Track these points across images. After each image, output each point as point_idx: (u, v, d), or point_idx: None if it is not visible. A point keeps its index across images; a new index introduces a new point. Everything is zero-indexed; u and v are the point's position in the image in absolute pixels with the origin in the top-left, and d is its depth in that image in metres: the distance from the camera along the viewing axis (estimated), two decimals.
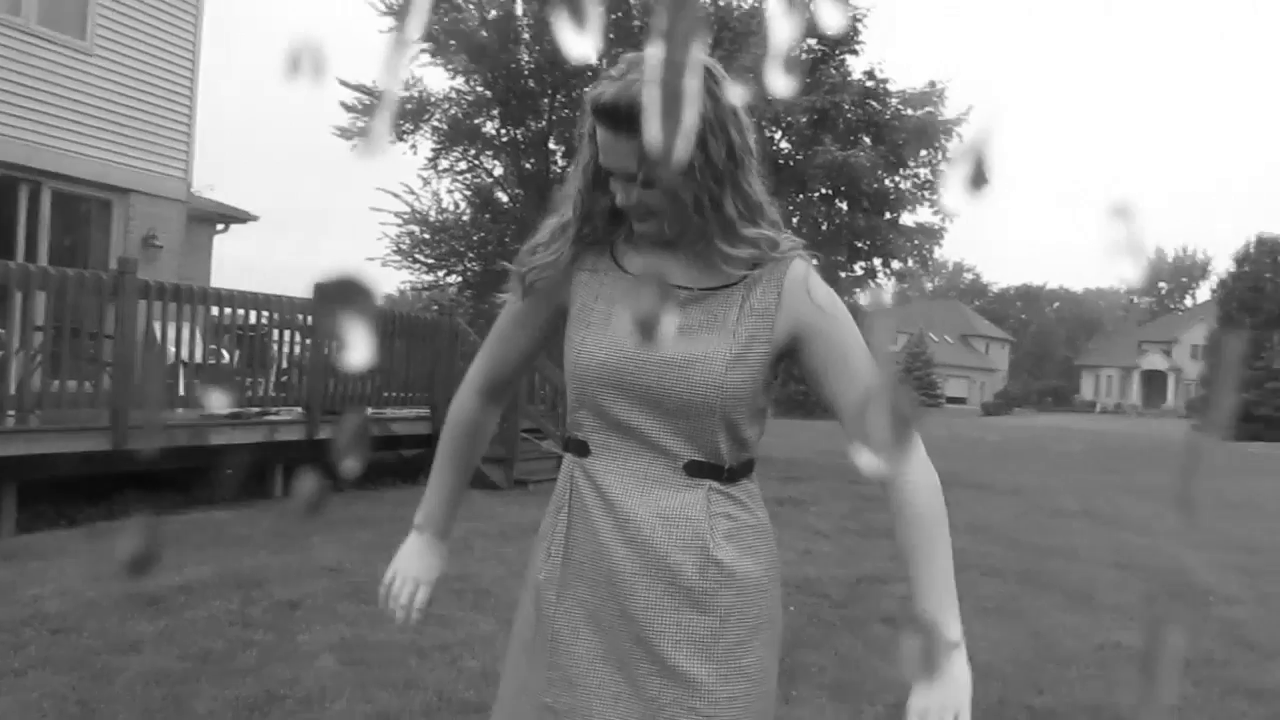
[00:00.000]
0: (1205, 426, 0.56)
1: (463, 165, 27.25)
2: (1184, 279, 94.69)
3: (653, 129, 0.40)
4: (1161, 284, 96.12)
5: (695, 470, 1.52)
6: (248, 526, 7.33)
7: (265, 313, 9.37)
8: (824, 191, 13.54)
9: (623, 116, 1.44)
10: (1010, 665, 4.63)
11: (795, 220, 13.98)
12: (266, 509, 8.31)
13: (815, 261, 1.61)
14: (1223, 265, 62.36)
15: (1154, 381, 67.47)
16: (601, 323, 1.55)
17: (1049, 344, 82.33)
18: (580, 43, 0.42)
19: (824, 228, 13.74)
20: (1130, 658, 4.89)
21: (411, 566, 1.82)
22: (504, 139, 26.97)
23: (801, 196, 14.02)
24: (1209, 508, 11.38)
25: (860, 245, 13.31)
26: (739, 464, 1.55)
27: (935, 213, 14.03)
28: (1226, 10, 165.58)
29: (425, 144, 27.22)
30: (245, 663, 4.16)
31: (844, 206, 13.83)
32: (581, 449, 1.57)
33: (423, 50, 25.16)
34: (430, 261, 28.06)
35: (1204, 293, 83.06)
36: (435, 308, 28.96)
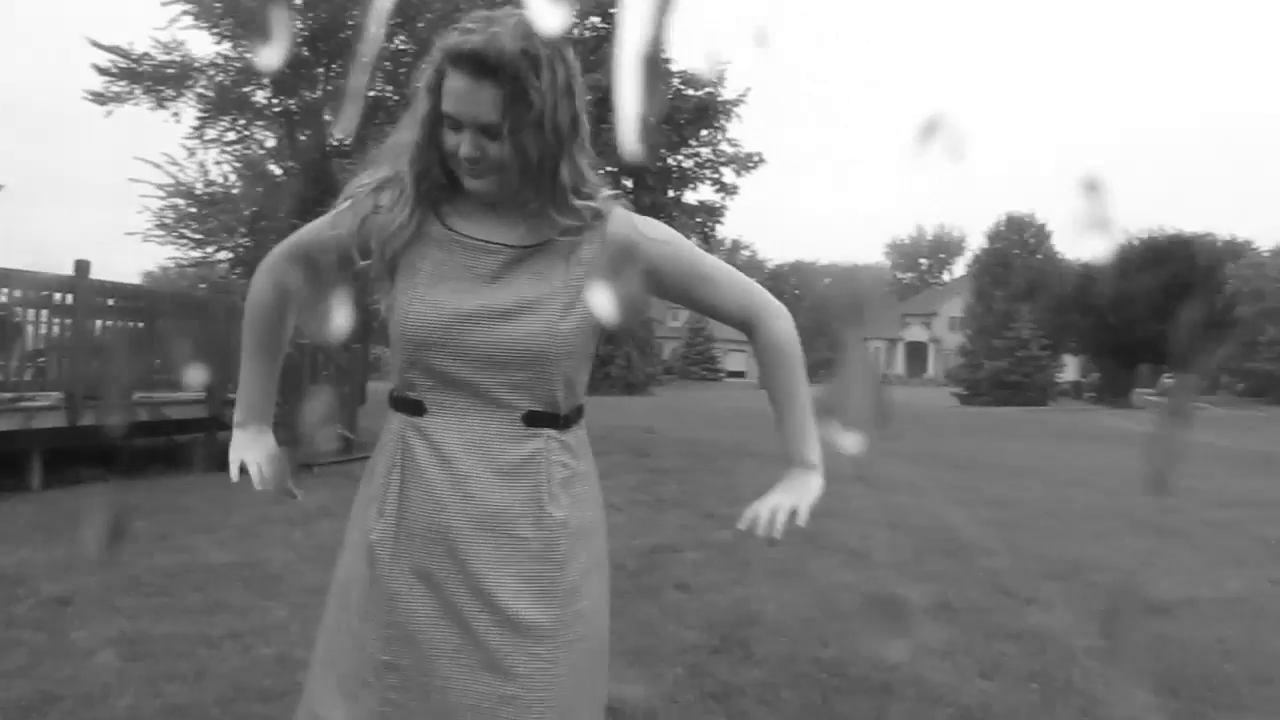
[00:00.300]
0: (1171, 414, 0.57)
1: (231, 135, 26.00)
2: (942, 255, 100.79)
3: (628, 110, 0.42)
4: (922, 260, 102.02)
5: (533, 420, 1.55)
6: (5, 520, 6.82)
7: (13, 291, 8.66)
8: (609, 169, 13.69)
9: (489, 65, 1.44)
10: (797, 623, 4.86)
11: None
12: (25, 501, 7.76)
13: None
14: (976, 242, 66.64)
15: (916, 352, 71.61)
16: (429, 284, 1.54)
17: (821, 319, 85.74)
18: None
19: None
20: (904, 609, 5.22)
21: (253, 451, 1.73)
22: (276, 109, 25.88)
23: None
24: (973, 469, 12.24)
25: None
26: (572, 410, 1.60)
27: (717, 190, 14.51)
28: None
29: (189, 112, 25.79)
30: (14, 663, 3.88)
31: (629, 184, 14.03)
32: (416, 408, 1.56)
33: (184, 13, 23.85)
34: (198, 237, 26.70)
35: (960, 268, 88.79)
36: (203, 285, 27.66)
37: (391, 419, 1.61)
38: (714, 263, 1.70)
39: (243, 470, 1.72)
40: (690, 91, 14.09)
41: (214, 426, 10.59)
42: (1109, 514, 8.99)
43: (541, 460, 1.55)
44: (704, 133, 14.24)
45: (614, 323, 1.57)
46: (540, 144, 1.49)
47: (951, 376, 51.86)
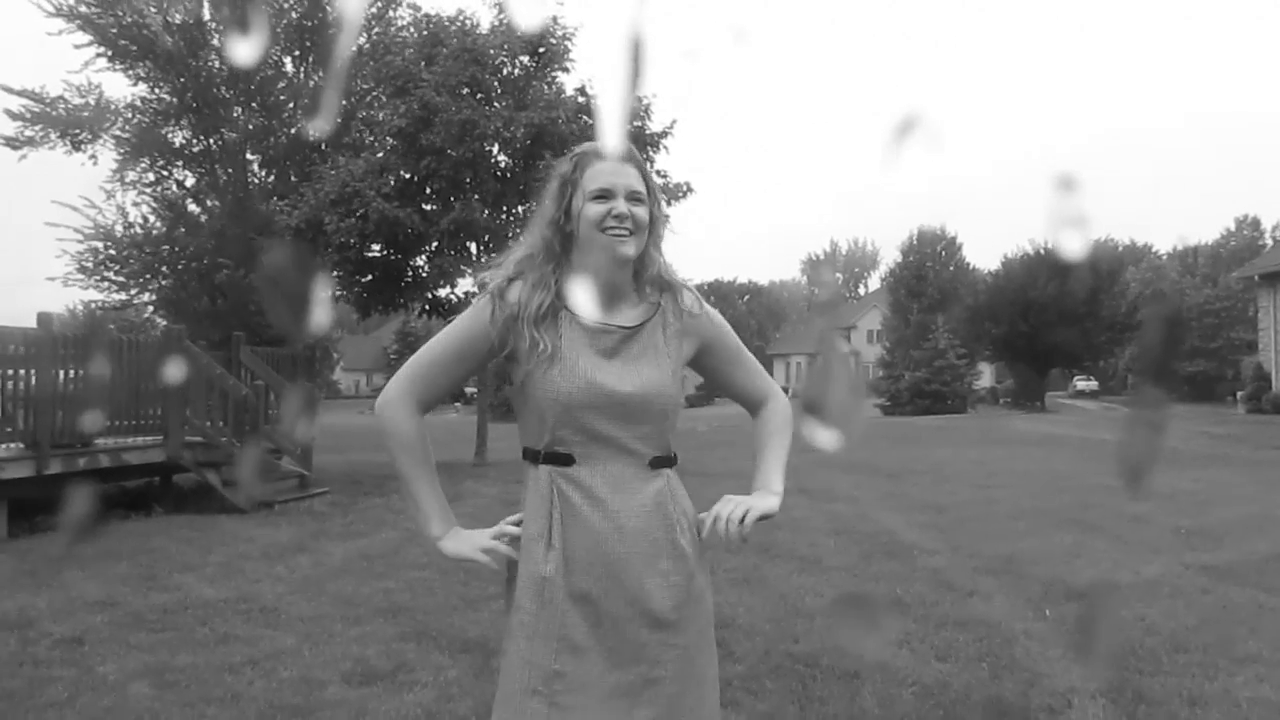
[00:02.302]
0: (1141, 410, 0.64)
1: (150, 177, 25.90)
2: (857, 269, 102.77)
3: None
4: (837, 274, 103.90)
5: (656, 464, 1.97)
6: None
7: None
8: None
9: (628, 154, 1.98)
10: (767, 623, 5.31)
11: (517, 230, 14.46)
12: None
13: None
14: (890, 256, 67.98)
15: None
16: (573, 359, 1.94)
17: (742, 335, 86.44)
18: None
19: None
20: (862, 606, 5.70)
21: (476, 542, 2.01)
22: (196, 149, 25.84)
23: (521, 207, 14.54)
24: (904, 476, 12.81)
25: None
26: (674, 453, 2.02)
27: None
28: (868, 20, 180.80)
29: (106, 154, 25.63)
30: (54, 697, 4.15)
31: None
32: (565, 460, 1.93)
33: (99, 55, 23.79)
34: (120, 280, 26.51)
35: (875, 282, 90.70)
36: (112, 327, 27.38)
37: (537, 471, 1.97)
38: (746, 351, 2.18)
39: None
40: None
41: (171, 470, 10.76)
42: (1034, 512, 9.62)
43: (667, 494, 1.96)
44: None
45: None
46: (653, 218, 2.00)
47: (873, 388, 53.03)
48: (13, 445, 8.79)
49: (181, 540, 8.14)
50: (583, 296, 1.96)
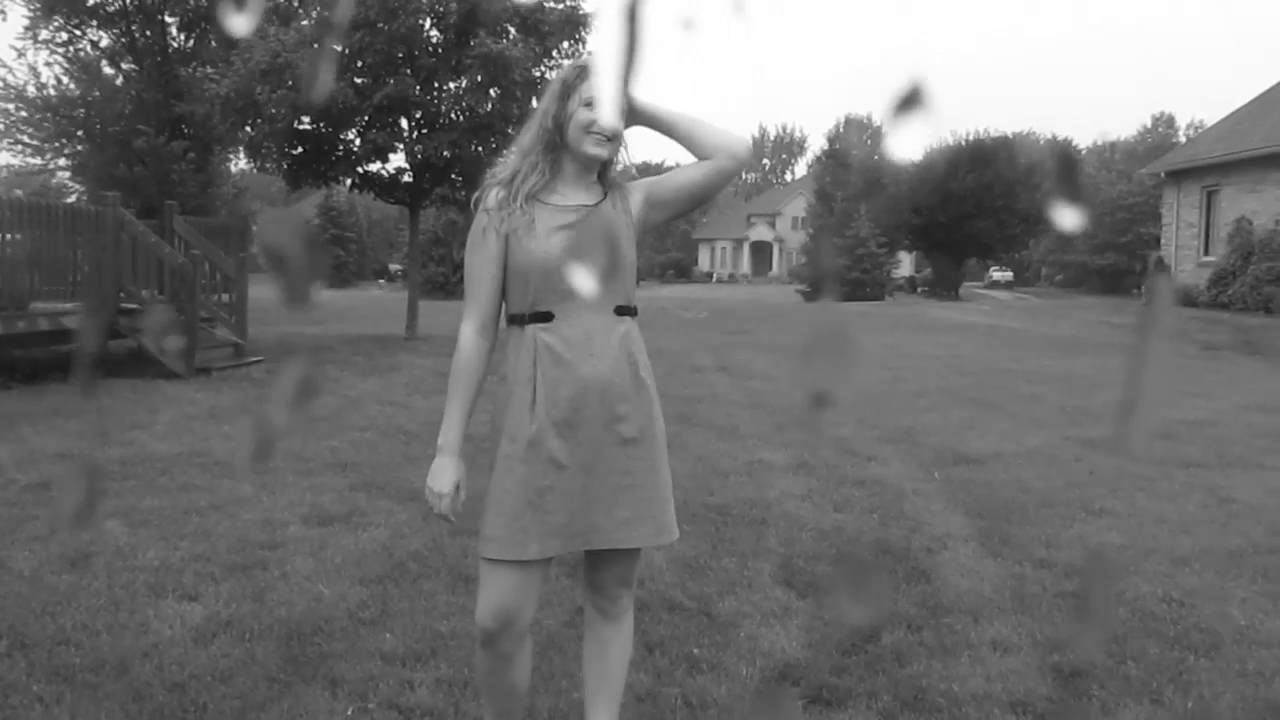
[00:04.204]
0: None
1: (63, 36, 25.03)
2: (784, 155, 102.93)
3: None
4: (765, 160, 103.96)
5: (620, 311, 2.41)
6: None
7: None
8: (479, 80, 14.14)
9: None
10: (686, 480, 5.84)
11: (450, 108, 14.53)
12: None
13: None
14: (817, 143, 68.19)
15: (761, 251, 73.64)
16: (545, 235, 2.36)
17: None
18: None
19: (479, 115, 14.39)
20: (770, 468, 6.29)
21: (447, 480, 2.39)
22: (110, 8, 24.92)
23: (454, 85, 14.56)
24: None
25: (513, 132, 13.96)
26: (635, 305, 2.45)
27: None
28: None
29: (16, 10, 24.64)
30: (35, 532, 4.54)
31: (495, 93, 14.51)
32: (545, 317, 2.36)
33: None
34: (34, 144, 25.84)
35: (801, 168, 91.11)
36: (18, 192, 26.71)
37: (520, 332, 2.38)
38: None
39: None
40: (552, 4, 14.59)
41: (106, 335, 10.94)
42: (936, 391, 10.33)
43: (630, 337, 2.41)
44: (566, 45, 14.79)
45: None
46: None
47: (795, 274, 53.86)
48: None
49: (127, 401, 8.44)
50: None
